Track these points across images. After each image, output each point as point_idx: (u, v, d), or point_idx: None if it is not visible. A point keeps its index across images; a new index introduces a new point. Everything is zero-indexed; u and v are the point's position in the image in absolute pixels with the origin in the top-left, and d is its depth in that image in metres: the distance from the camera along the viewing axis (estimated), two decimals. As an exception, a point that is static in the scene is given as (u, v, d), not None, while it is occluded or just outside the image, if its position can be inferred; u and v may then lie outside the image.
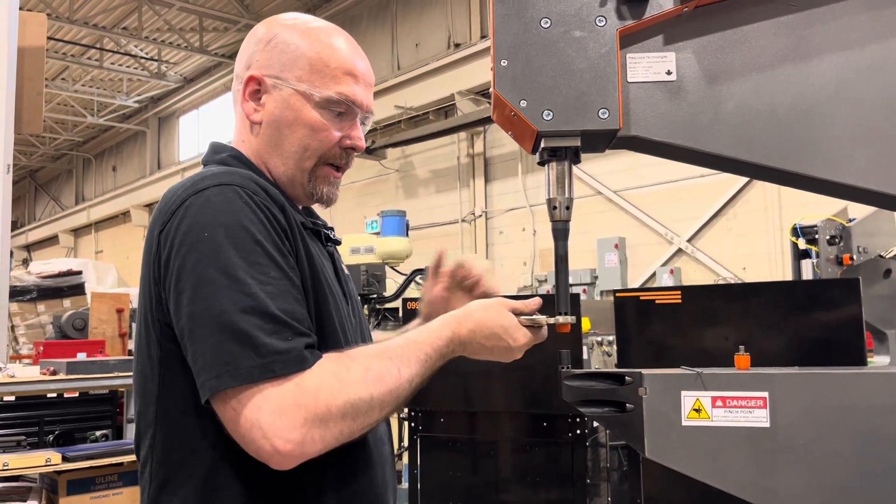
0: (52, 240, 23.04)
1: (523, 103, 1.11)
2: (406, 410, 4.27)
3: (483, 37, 10.94)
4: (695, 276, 8.98)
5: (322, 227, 1.32)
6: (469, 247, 11.23)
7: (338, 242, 1.38)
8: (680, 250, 9.18)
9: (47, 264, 11.54)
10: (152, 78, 16.58)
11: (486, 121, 10.38)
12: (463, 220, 11.31)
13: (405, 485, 6.14)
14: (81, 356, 6.21)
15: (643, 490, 3.52)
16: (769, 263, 8.30)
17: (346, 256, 7.52)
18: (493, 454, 4.28)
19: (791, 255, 4.17)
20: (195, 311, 1.03)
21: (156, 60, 16.02)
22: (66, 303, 10.13)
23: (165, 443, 1.13)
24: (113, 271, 13.68)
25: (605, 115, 1.10)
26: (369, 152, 11.81)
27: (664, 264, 9.23)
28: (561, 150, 1.15)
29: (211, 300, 1.02)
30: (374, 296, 6.85)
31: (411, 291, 6.82)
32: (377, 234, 7.83)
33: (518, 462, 4.17)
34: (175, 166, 17.56)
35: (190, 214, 1.09)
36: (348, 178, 13.29)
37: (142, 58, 15.86)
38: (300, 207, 1.34)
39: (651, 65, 1.14)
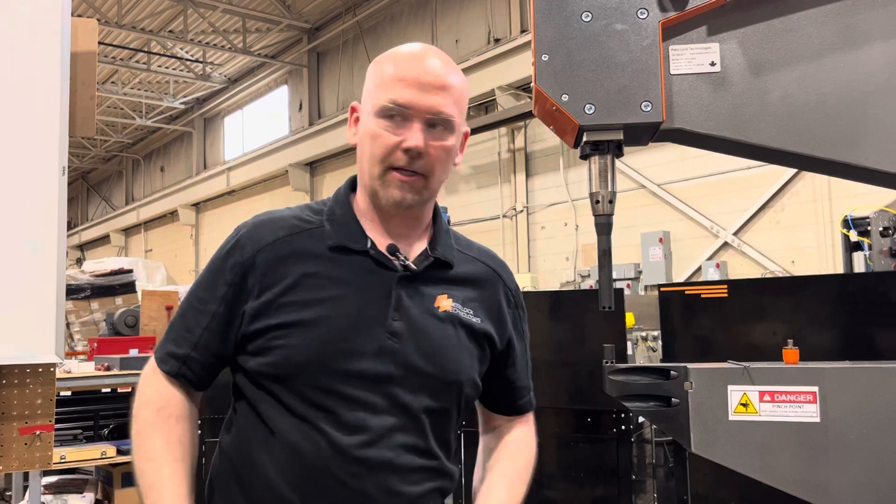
0: (103, 239, 23.70)
1: (565, 97, 1.11)
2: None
3: (523, 31, 10.89)
4: (741, 269, 8.81)
5: (390, 251, 1.34)
6: (510, 242, 11.21)
7: (411, 269, 1.34)
8: (726, 244, 9.01)
9: (100, 263, 11.87)
10: (197, 79, 16.91)
11: (527, 115, 10.33)
12: (504, 216, 11.28)
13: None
14: (134, 352, 6.37)
15: (690, 487, 3.47)
16: (819, 256, 8.10)
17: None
18: (539, 450, 4.28)
19: (842, 248, 4.07)
20: None
21: (201, 62, 16.33)
22: (118, 300, 10.39)
23: None
24: (162, 269, 14.02)
25: (648, 108, 1.10)
26: (410, 149, 11.85)
27: (710, 258, 9.08)
28: (603, 144, 1.15)
29: None
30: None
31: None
32: (419, 230, 7.87)
33: (562, 458, 4.16)
34: (220, 166, 17.89)
35: None
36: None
37: (187, 60, 16.18)
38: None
39: (694, 56, 1.12)
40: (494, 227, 11.40)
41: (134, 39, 14.91)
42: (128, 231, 22.64)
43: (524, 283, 7.64)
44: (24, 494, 5.07)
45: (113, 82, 17.19)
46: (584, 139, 1.15)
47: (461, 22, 12.10)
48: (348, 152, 13.68)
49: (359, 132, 1.36)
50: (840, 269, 4.98)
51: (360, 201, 1.38)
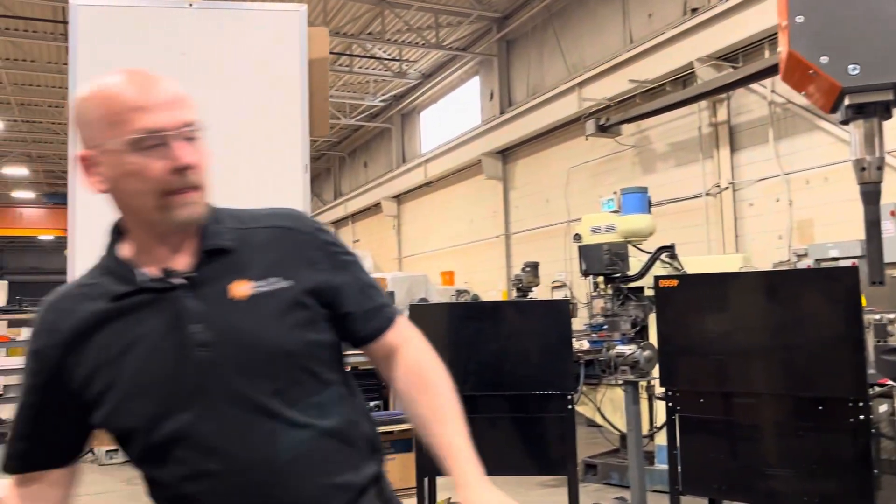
0: (316, 232, 25.64)
1: (824, 59, 1.04)
2: (663, 389, 4.19)
3: (723, -3, 10.23)
4: None
5: (162, 277, 1.32)
6: (715, 221, 10.63)
7: (190, 279, 1.33)
8: (977, 215, 7.90)
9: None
10: (395, 77, 17.74)
11: (730, 87, 9.70)
12: (707, 194, 10.71)
13: (659, 465, 6.01)
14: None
15: (946, 485, 3.13)
16: None
17: (587, 236, 7.46)
18: (759, 438, 4.04)
19: None
20: None
21: (397, 60, 17.11)
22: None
23: None
24: (369, 258, 14.94)
25: (926, 63, 1.00)
26: (603, 130, 11.60)
27: (956, 232, 8.00)
28: (869, 106, 1.07)
29: None
30: (618, 275, 6.76)
31: (658, 269, 6.62)
32: (616, 212, 7.70)
33: (789, 448, 3.90)
34: (418, 159, 18.66)
35: None
36: (582, 158, 13.20)
37: (385, 59, 17.03)
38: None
39: (982, 0, 1.01)
40: (696, 206, 10.87)
41: (337, 44, 15.96)
42: (337, 223, 24.33)
43: (735, 264, 7.19)
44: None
45: (320, 86, 18.50)
46: (847, 102, 1.07)
47: (655, -6, 11.63)
48: (539, 138, 13.69)
49: (106, 177, 1.31)
50: None
51: (133, 239, 1.35)
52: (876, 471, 3.68)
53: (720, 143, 10.54)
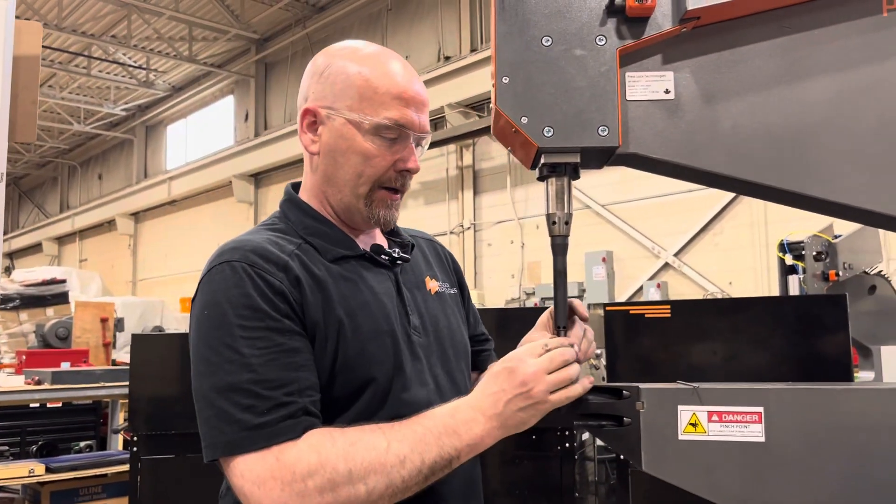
0: (35, 248, 22.84)
1: (524, 119, 1.12)
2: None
3: (473, 50, 11.00)
4: (681, 290, 9.03)
5: (376, 251, 1.32)
6: (458, 259, 11.25)
7: (405, 260, 1.37)
8: (667, 264, 9.24)
9: (30, 272, 11.42)
10: (140, 86, 16.53)
11: (476, 133, 10.41)
12: (451, 232, 11.33)
13: None
14: (65, 365, 6.15)
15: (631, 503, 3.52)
16: (755, 278, 8.37)
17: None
18: (484, 465, 4.28)
19: (778, 271, 4.22)
20: (194, 386, 1.15)
21: (144, 69, 15.98)
22: (50, 311, 10.03)
23: None
24: (97, 280, 13.57)
25: (605, 133, 1.12)
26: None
27: (651, 278, 9.29)
28: (560, 166, 1.17)
29: (203, 377, 1.13)
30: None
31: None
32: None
33: (507, 475, 4.17)
34: (162, 175, 17.49)
35: (201, 292, 1.19)
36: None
37: (130, 66, 15.81)
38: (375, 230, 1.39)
39: (650, 83, 1.15)
40: (443, 244, 11.42)
41: (74, 43, 14.51)
42: (61, 240, 21.88)
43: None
44: (-58, 515, 4.82)
45: (50, 86, 16.66)
46: (542, 161, 1.16)
47: (412, 39, 12.17)
48: (295, 164, 13.55)
49: (325, 143, 1.27)
50: (775, 291, 5.18)
51: (320, 210, 1.32)
52: (578, 494, 4.07)
53: (465, 185, 11.23)
